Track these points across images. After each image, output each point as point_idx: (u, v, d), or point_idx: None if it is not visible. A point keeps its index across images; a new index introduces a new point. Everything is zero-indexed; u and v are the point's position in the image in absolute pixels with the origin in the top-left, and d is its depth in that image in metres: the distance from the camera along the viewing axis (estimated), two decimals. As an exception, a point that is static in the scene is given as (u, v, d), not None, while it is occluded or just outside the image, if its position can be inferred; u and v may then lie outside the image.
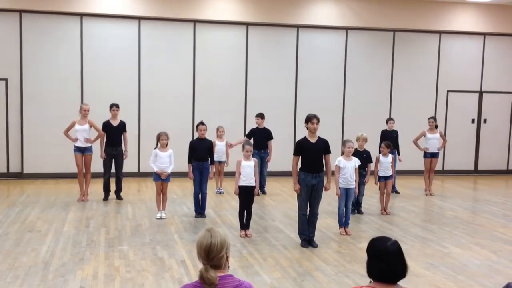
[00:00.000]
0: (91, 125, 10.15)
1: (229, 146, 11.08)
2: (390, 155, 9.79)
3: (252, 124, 11.83)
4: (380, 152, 9.92)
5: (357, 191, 8.57)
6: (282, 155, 12.35)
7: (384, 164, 9.70)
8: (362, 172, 9.16)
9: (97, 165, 10.68)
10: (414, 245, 7.72)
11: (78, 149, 10.08)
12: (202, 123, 9.22)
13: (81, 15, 12.47)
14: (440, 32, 14.50)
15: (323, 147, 7.53)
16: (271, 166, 11.61)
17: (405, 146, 12.01)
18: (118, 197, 10.36)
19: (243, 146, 8.11)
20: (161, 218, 8.90)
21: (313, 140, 7.53)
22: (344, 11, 13.64)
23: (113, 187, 10.36)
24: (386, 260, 2.84)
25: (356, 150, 8.97)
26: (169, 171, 9.00)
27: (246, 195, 7.95)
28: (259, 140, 11.05)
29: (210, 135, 9.76)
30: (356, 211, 9.60)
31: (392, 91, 14.42)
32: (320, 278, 6.26)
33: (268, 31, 13.54)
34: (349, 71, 14.08)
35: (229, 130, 11.61)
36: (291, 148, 9.44)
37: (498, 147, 15.26)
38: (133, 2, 12.58)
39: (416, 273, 6.41)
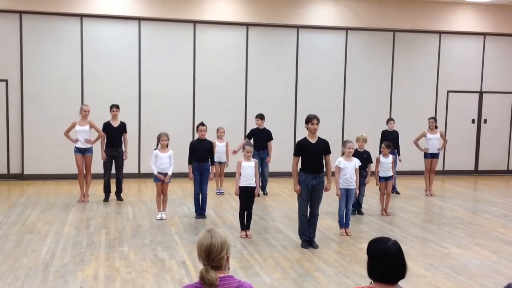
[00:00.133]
0: (91, 126, 10.15)
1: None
2: (390, 156, 9.78)
3: (252, 124, 11.83)
4: (380, 153, 9.92)
5: (357, 191, 8.57)
6: (282, 156, 12.35)
7: (385, 164, 9.70)
8: (362, 172, 9.15)
9: (97, 166, 10.68)
10: (414, 246, 7.72)
11: (78, 150, 10.08)
12: (202, 123, 9.22)
13: (81, 16, 12.47)
14: (440, 32, 14.50)
15: (323, 147, 7.53)
16: (271, 167, 11.61)
17: (406, 146, 12.01)
18: (119, 198, 10.37)
19: (243, 147, 8.13)
20: (161, 219, 8.90)
21: (313, 140, 7.53)
22: (344, 12, 13.64)
23: (113, 188, 10.36)
24: (386, 260, 2.85)
25: (356, 150, 8.95)
26: (170, 172, 9.00)
27: (247, 196, 7.95)
28: (259, 140, 11.04)
29: (210, 135, 9.76)
30: (356, 211, 9.59)
31: (392, 92, 14.41)
32: (320, 278, 6.26)
33: (268, 32, 13.55)
34: (349, 71, 14.08)
35: (229, 130, 11.61)
36: (291, 149, 9.43)
37: (498, 147, 15.26)
38: (133, 3, 12.58)
39: (416, 274, 6.41)
